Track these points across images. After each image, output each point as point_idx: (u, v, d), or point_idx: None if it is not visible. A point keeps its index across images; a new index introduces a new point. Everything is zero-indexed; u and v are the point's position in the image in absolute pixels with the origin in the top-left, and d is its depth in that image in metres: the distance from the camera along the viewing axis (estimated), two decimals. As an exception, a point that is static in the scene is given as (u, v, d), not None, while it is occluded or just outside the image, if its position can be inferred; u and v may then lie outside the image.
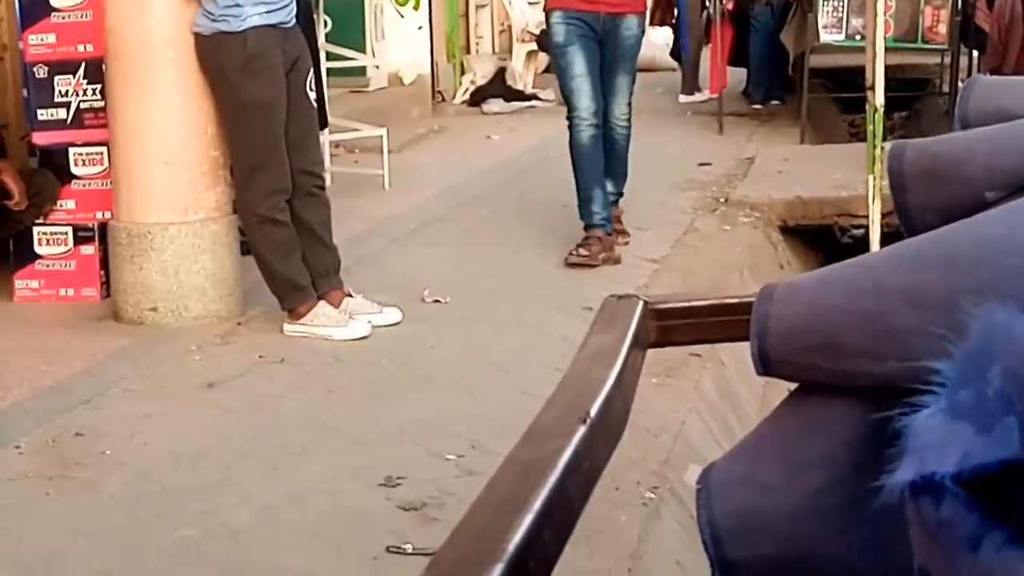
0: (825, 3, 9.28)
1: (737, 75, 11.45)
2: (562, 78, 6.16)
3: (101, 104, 5.31)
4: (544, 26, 7.15)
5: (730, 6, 10.89)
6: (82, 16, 5.36)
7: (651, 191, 7.43)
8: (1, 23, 6.41)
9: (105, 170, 5.36)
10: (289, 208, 4.89)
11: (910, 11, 9.10)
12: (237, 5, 4.67)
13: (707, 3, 11.41)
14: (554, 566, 0.96)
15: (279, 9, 4.77)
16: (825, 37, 9.39)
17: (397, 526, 3.25)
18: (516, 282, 5.74)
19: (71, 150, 5.46)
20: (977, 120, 1.30)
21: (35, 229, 5.43)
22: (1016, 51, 7.49)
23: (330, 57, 8.02)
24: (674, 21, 12.58)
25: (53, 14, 5.38)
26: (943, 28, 9.20)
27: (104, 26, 5.01)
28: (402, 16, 11.36)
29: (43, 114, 5.47)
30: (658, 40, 13.19)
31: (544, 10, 6.27)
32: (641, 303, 1.47)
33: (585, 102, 6.01)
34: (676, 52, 12.40)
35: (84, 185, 5.47)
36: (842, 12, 9.25)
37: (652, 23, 11.61)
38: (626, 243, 6.37)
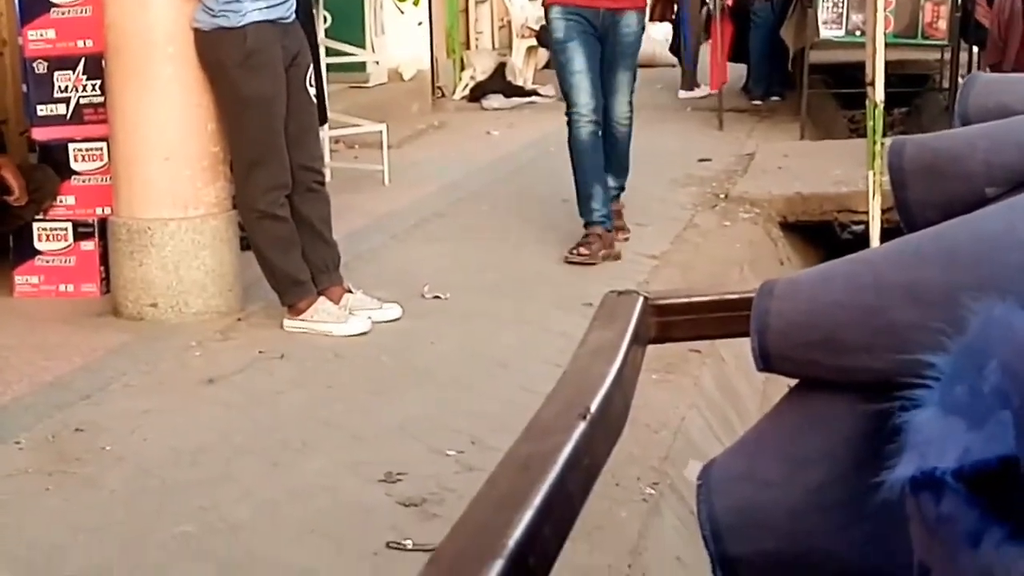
0: (825, -1, 9.28)
1: (737, 71, 11.45)
2: (561, 74, 6.14)
3: (101, 100, 5.31)
4: (544, 22, 7.14)
5: (730, 2, 10.88)
6: (82, 12, 5.36)
7: (651, 187, 7.43)
8: (1, 18, 6.40)
9: (105, 166, 5.36)
10: (289, 204, 4.89)
11: (910, 7, 9.10)
12: (237, 0, 4.67)
13: (707, -1, 11.42)
14: (554, 562, 0.96)
15: (279, 4, 4.76)
16: (825, 33, 9.39)
17: (397, 522, 3.25)
18: (516, 278, 5.74)
19: (71, 146, 5.46)
20: (977, 116, 1.30)
21: (35, 225, 5.43)
22: (1016, 47, 7.49)
23: (330, 53, 8.02)
24: (674, 17, 12.58)
25: (52, 10, 5.38)
26: (943, 24, 9.19)
27: (104, 22, 5.01)
28: (402, 12, 11.35)
29: (43, 110, 5.47)
30: (658, 36, 13.19)
31: (543, 5, 6.25)
32: (641, 299, 1.47)
33: (584, 98, 5.99)
34: (676, 48, 12.39)
35: (84, 181, 5.47)
36: (842, 8, 9.25)
37: (652, 19, 11.62)
38: (626, 239, 6.37)
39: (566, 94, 6.10)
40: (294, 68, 4.88)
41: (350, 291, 5.07)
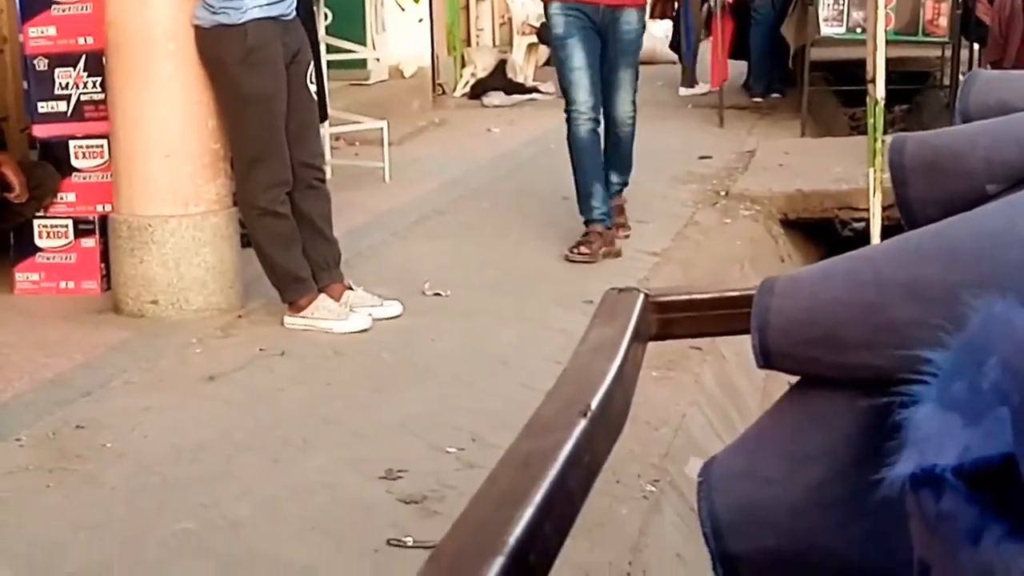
0: (826, -4, 9.28)
1: (738, 68, 11.44)
2: (561, 71, 6.13)
3: (101, 97, 5.31)
4: (544, 18, 7.14)
5: (731, -1, 10.88)
6: (82, 8, 5.36)
7: (652, 184, 7.42)
8: (1, 15, 6.41)
9: (105, 163, 5.36)
10: (289, 201, 4.89)
11: (911, 4, 9.10)
12: (237, -2, 4.67)
13: (708, -4, 11.40)
14: (555, 559, 0.96)
15: (279, 2, 4.76)
16: (826, 30, 9.39)
17: (398, 519, 3.25)
18: (517, 275, 5.74)
19: (71, 143, 5.46)
20: (978, 113, 1.30)
21: (35, 222, 5.44)
22: (1017, 44, 7.49)
23: (330, 50, 8.02)
24: (674, 14, 12.57)
25: (53, 7, 5.38)
26: (944, 21, 9.19)
27: (104, 19, 5.01)
28: (402, 9, 11.35)
29: (43, 107, 5.47)
30: (658, 33, 13.19)
31: (544, 2, 6.24)
32: (642, 296, 1.47)
33: (583, 96, 5.98)
34: (676, 44, 12.39)
35: (84, 178, 5.47)
36: (843, 5, 9.25)
37: (652, 16, 11.61)
38: (627, 236, 6.36)
39: (565, 91, 6.09)
40: (295, 65, 4.88)
41: (351, 288, 5.07)
